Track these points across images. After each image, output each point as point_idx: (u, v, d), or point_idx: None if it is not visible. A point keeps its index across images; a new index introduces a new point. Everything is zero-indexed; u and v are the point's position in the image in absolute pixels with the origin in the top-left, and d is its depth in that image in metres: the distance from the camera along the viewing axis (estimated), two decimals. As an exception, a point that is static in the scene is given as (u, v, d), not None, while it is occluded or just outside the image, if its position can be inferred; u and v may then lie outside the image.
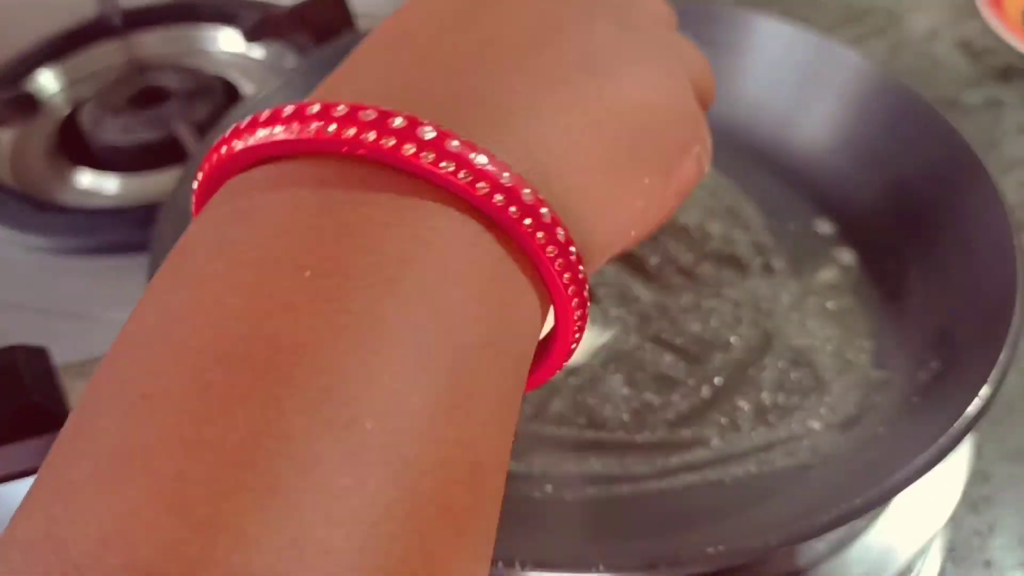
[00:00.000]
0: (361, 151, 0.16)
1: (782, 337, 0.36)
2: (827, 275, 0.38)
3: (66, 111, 0.55)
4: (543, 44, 0.20)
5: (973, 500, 0.38)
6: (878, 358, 0.35)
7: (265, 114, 0.17)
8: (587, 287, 0.18)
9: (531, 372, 0.19)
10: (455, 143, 0.16)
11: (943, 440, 0.27)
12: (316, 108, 0.16)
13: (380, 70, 0.19)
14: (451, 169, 0.16)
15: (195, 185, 0.18)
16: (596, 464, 0.32)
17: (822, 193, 0.42)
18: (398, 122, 0.16)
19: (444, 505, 0.15)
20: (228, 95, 0.54)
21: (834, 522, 0.26)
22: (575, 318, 0.19)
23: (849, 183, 0.41)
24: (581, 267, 0.18)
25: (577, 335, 0.19)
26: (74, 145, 0.53)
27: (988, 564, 0.36)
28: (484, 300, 0.16)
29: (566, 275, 0.17)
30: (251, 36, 0.55)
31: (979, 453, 0.38)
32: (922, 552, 0.33)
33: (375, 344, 0.14)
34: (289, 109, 0.16)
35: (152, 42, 0.59)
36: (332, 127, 0.16)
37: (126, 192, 0.50)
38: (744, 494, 0.31)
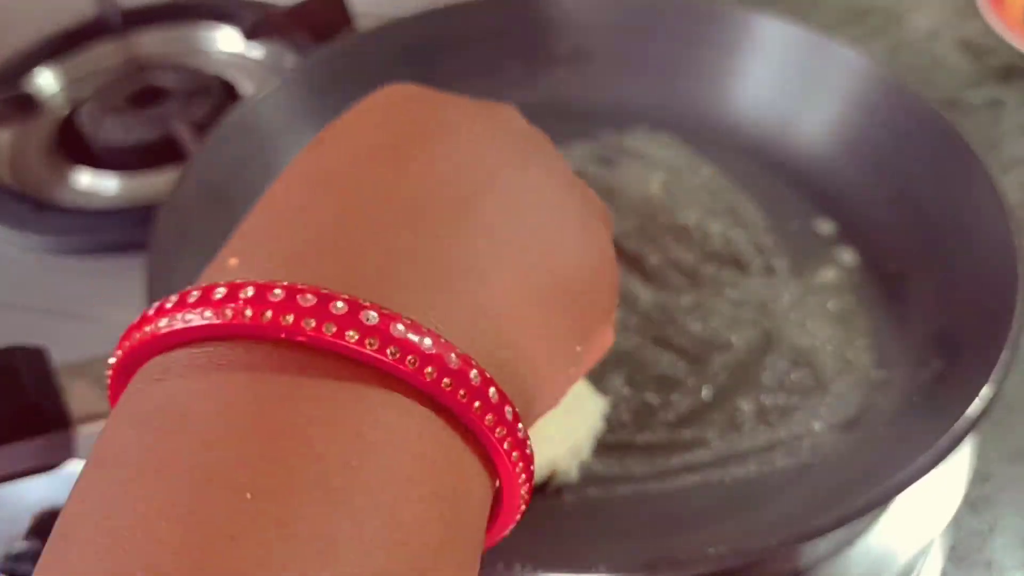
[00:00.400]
0: (300, 338, 0.15)
1: (783, 337, 0.36)
2: (828, 275, 0.38)
3: (65, 111, 0.55)
4: (481, 192, 0.18)
5: (974, 500, 0.38)
6: (879, 358, 0.35)
7: (195, 294, 0.15)
8: (533, 459, 0.17)
9: None
10: (400, 327, 0.15)
11: (944, 441, 0.27)
12: (251, 292, 0.15)
13: (303, 226, 0.17)
14: (396, 356, 0.15)
15: (111, 362, 0.16)
16: (597, 465, 0.32)
17: (823, 193, 0.42)
18: (339, 307, 0.15)
19: None
20: (227, 95, 0.54)
21: (835, 523, 0.26)
22: (522, 493, 0.18)
23: (850, 183, 0.41)
24: (528, 444, 0.17)
25: (524, 506, 0.18)
26: (73, 145, 0.53)
27: (989, 564, 0.36)
28: (438, 498, 0.15)
29: (515, 453, 0.16)
30: (250, 35, 0.55)
31: (980, 454, 0.38)
32: (923, 553, 0.33)
33: (327, 572, 0.13)
34: (221, 291, 0.15)
35: (151, 42, 0.59)
36: (268, 313, 0.14)
37: (125, 192, 0.50)
38: (745, 495, 0.31)
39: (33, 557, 0.36)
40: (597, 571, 0.25)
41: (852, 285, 0.38)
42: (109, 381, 0.17)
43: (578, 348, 0.19)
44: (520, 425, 0.16)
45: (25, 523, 0.37)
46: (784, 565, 0.32)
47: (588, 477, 0.31)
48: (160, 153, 0.50)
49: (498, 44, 0.45)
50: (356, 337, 0.14)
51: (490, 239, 0.18)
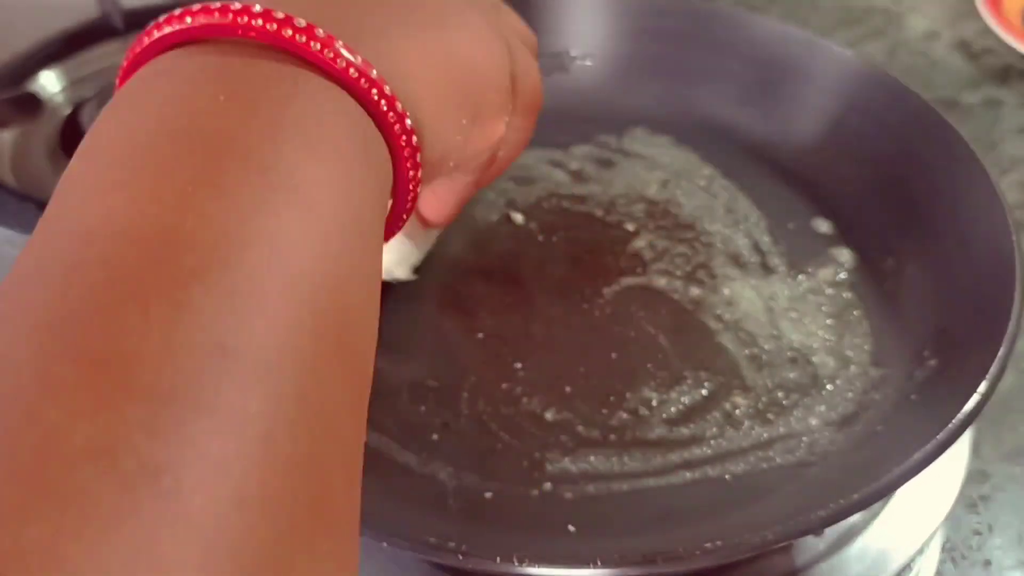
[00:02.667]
0: (262, 37, 0.21)
1: (781, 335, 0.36)
2: (826, 274, 0.39)
3: (67, 111, 0.55)
4: None
5: (972, 499, 0.38)
6: (876, 356, 0.35)
7: (184, 8, 0.21)
8: (420, 178, 0.25)
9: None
10: (339, 44, 0.21)
11: (940, 436, 0.27)
12: (237, 5, 0.21)
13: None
14: (330, 56, 0.21)
15: (123, 63, 0.22)
16: (595, 462, 0.32)
17: (821, 192, 0.42)
18: (300, 23, 0.21)
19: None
20: (229, 95, 0.54)
21: (832, 518, 0.26)
22: (409, 199, 0.25)
23: (848, 183, 0.42)
24: (418, 154, 0.24)
25: (409, 207, 0.26)
26: (75, 145, 0.52)
27: (987, 563, 0.36)
28: (366, 154, 0.22)
29: (407, 152, 0.24)
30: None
31: (978, 453, 0.38)
32: (920, 551, 0.33)
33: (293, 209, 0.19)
34: (197, 6, 0.21)
35: (153, 43, 0.59)
36: (244, 18, 0.21)
37: (127, 192, 0.50)
38: (743, 491, 0.31)
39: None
40: (594, 566, 0.25)
41: (850, 284, 0.38)
42: (117, 81, 0.23)
43: (464, 121, 0.27)
44: (414, 137, 0.24)
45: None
46: (782, 563, 0.32)
47: (586, 473, 0.32)
48: (161, 153, 0.50)
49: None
50: (304, 39, 0.21)
51: (405, 20, 0.25)
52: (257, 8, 0.21)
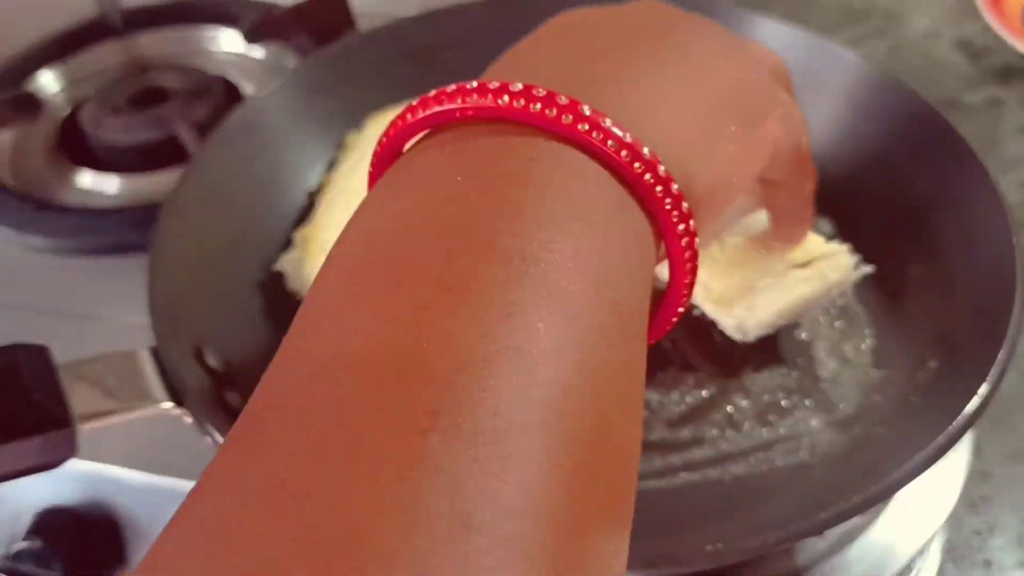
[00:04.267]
0: (524, 118, 0.20)
1: (782, 336, 0.36)
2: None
3: (67, 111, 0.55)
4: (663, 39, 0.24)
5: (973, 500, 0.38)
6: (877, 357, 0.35)
7: (449, 89, 0.20)
8: (697, 241, 0.21)
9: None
10: (607, 120, 0.20)
11: (941, 439, 0.27)
12: (495, 85, 0.20)
13: (533, 64, 0.23)
14: (599, 138, 0.19)
15: (376, 149, 0.22)
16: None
17: (821, 192, 0.42)
18: (562, 100, 0.19)
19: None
20: (229, 95, 0.54)
21: (833, 520, 0.26)
22: (687, 270, 0.22)
23: (848, 183, 0.41)
24: (691, 220, 0.21)
25: (687, 291, 0.22)
26: (75, 145, 0.53)
27: (988, 564, 0.36)
28: (626, 244, 0.19)
29: (680, 226, 0.21)
30: (251, 38, 0.55)
31: (979, 453, 0.38)
32: (921, 551, 0.33)
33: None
34: (452, 87, 0.20)
35: (152, 42, 0.59)
36: (505, 98, 0.20)
37: (126, 192, 0.50)
38: (744, 493, 0.31)
39: (34, 556, 0.36)
40: (596, 569, 0.25)
41: (851, 285, 0.38)
42: (370, 168, 0.22)
43: (732, 128, 0.24)
44: (684, 203, 0.21)
45: (26, 521, 0.37)
46: (784, 564, 0.32)
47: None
48: (161, 154, 0.50)
49: (498, 44, 0.45)
50: (571, 119, 0.19)
51: (647, 67, 0.23)
52: (517, 87, 0.20)
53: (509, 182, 0.18)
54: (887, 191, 0.40)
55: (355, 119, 0.43)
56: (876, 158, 0.41)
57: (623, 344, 0.18)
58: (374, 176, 0.22)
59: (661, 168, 0.20)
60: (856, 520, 0.32)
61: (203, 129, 0.49)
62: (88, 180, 0.51)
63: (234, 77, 0.56)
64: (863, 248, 0.39)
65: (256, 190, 0.41)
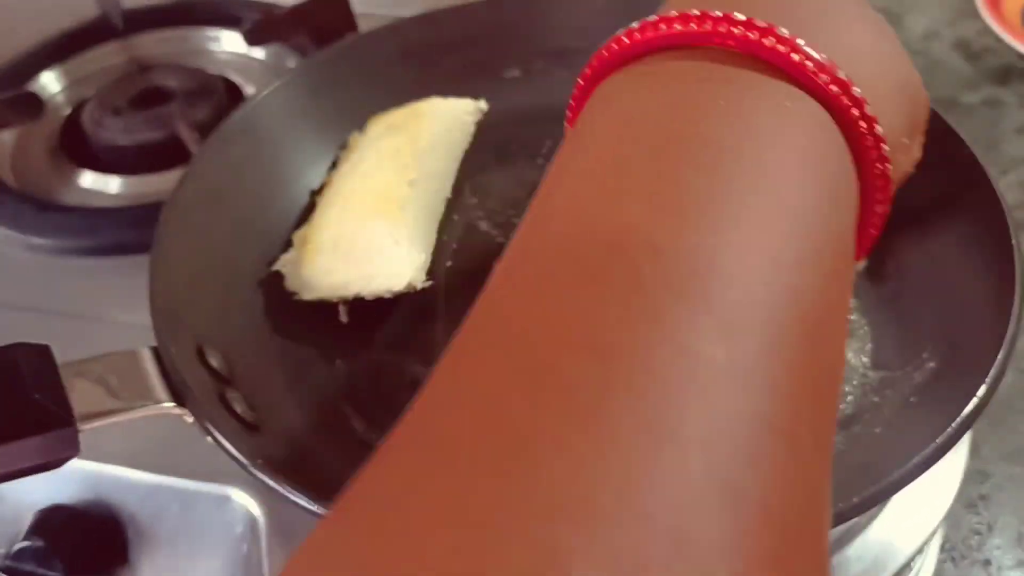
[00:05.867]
0: (730, 42, 0.21)
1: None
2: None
3: (68, 111, 0.55)
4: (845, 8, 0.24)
5: (972, 499, 0.38)
6: (876, 358, 0.35)
7: (653, 17, 0.22)
8: (890, 181, 0.23)
9: None
10: (802, 42, 0.21)
11: (940, 440, 0.27)
12: (696, 12, 0.21)
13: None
14: (798, 59, 0.20)
15: (579, 82, 0.24)
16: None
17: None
18: (760, 23, 0.21)
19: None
20: (229, 95, 0.54)
21: (832, 520, 0.26)
22: (878, 209, 0.24)
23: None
24: (888, 163, 0.22)
25: (879, 224, 0.24)
26: (76, 145, 0.53)
27: (986, 563, 0.36)
28: (822, 186, 0.20)
29: (878, 165, 0.22)
30: (251, 40, 0.55)
31: (978, 453, 0.38)
32: (920, 551, 0.33)
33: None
34: (673, 12, 0.21)
35: (153, 42, 0.59)
36: (708, 24, 0.21)
37: (127, 192, 0.50)
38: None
39: (35, 555, 0.36)
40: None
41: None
42: (571, 102, 0.24)
43: (905, 140, 0.25)
44: (884, 146, 0.22)
45: (27, 521, 0.37)
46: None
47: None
48: (162, 154, 0.50)
49: (498, 44, 0.45)
50: (772, 41, 0.20)
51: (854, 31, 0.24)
52: (739, 16, 0.21)
53: (753, 112, 0.20)
54: (886, 191, 0.40)
55: (356, 119, 0.43)
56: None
57: (843, 259, 0.20)
58: (588, 82, 0.23)
59: (868, 108, 0.21)
60: (855, 519, 0.32)
61: (204, 129, 0.49)
62: (89, 180, 0.51)
63: (235, 77, 0.56)
64: (862, 248, 0.39)
65: (256, 190, 0.41)
